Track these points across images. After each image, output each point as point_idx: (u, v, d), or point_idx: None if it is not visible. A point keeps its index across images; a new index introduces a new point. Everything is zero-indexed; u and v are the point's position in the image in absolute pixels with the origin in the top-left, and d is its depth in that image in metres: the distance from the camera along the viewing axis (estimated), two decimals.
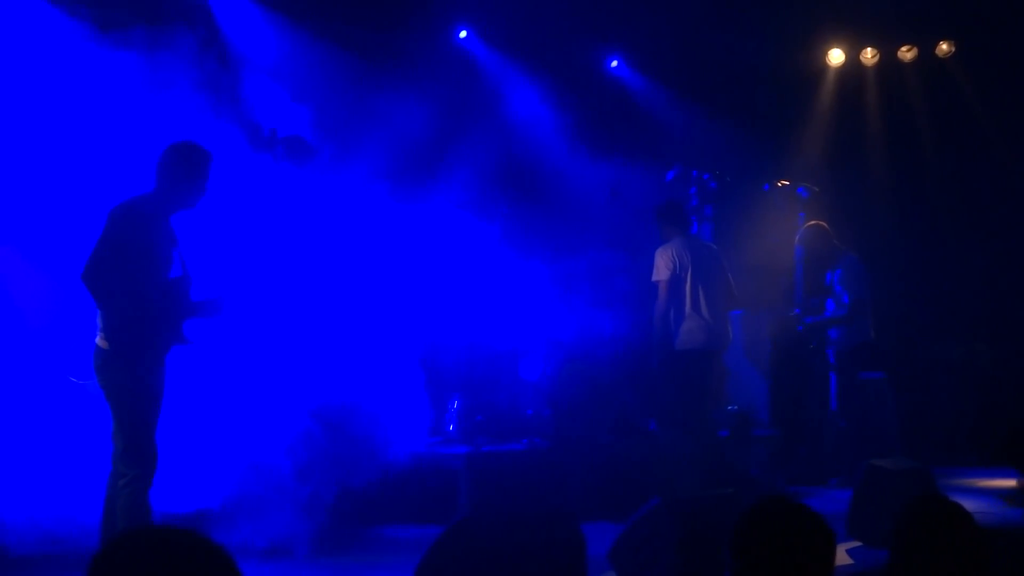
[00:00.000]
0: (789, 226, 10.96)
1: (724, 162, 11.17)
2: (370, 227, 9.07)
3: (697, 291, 9.10)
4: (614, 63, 12.42)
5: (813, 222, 10.44)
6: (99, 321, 6.14)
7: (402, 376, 8.68)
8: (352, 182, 9.17)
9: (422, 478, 8.45)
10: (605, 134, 11.41)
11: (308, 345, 8.18)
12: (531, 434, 9.37)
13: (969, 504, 3.95)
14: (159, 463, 6.13)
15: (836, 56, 12.67)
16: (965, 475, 10.32)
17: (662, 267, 9.14)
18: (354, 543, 7.71)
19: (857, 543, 7.46)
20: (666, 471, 9.05)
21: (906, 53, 12.59)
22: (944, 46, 12.44)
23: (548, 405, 9.56)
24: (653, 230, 9.86)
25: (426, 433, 9.01)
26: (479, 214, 10.07)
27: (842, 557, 7.22)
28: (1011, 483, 9.54)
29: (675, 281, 9.05)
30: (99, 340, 6.13)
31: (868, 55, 12.70)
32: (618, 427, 9.55)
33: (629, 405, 9.67)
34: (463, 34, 11.40)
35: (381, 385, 8.51)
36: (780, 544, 3.00)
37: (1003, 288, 12.05)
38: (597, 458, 9.10)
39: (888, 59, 12.66)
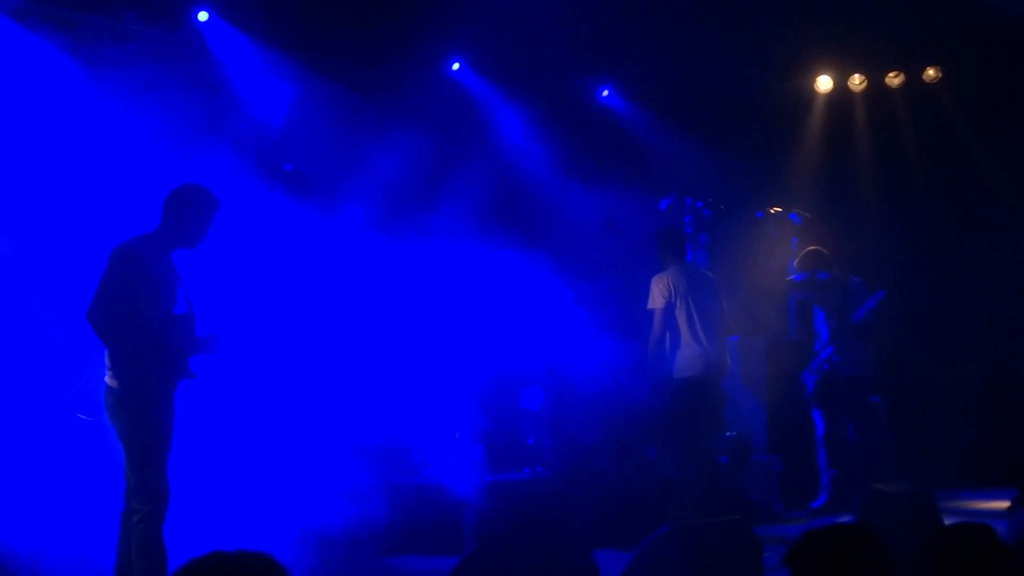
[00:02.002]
0: (783, 252, 11.05)
1: (717, 190, 11.25)
2: (363, 260, 9.13)
3: (693, 319, 9.14)
4: (605, 93, 12.50)
5: (812, 248, 10.47)
6: (107, 360, 6.17)
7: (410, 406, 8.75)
8: (345, 216, 9.23)
9: (426, 508, 8.46)
10: (598, 164, 11.47)
11: (317, 378, 8.23)
12: (533, 463, 9.40)
13: None
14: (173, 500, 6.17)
15: (824, 83, 12.77)
16: (962, 498, 10.36)
17: (657, 295, 9.18)
18: (365, 574, 7.71)
19: None
20: (667, 498, 9.08)
21: (893, 79, 12.69)
22: (931, 71, 12.55)
23: (549, 434, 9.60)
24: (647, 258, 9.93)
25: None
26: (473, 246, 10.11)
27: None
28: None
29: (671, 309, 9.09)
30: (108, 379, 6.16)
31: (856, 81, 12.80)
32: (618, 454, 9.59)
33: (629, 432, 9.70)
34: (456, 66, 11.46)
35: (393, 415, 8.58)
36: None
37: (995, 309, 12.13)
38: (598, 486, 9.13)
39: (876, 85, 12.77)
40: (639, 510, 8.82)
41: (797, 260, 10.47)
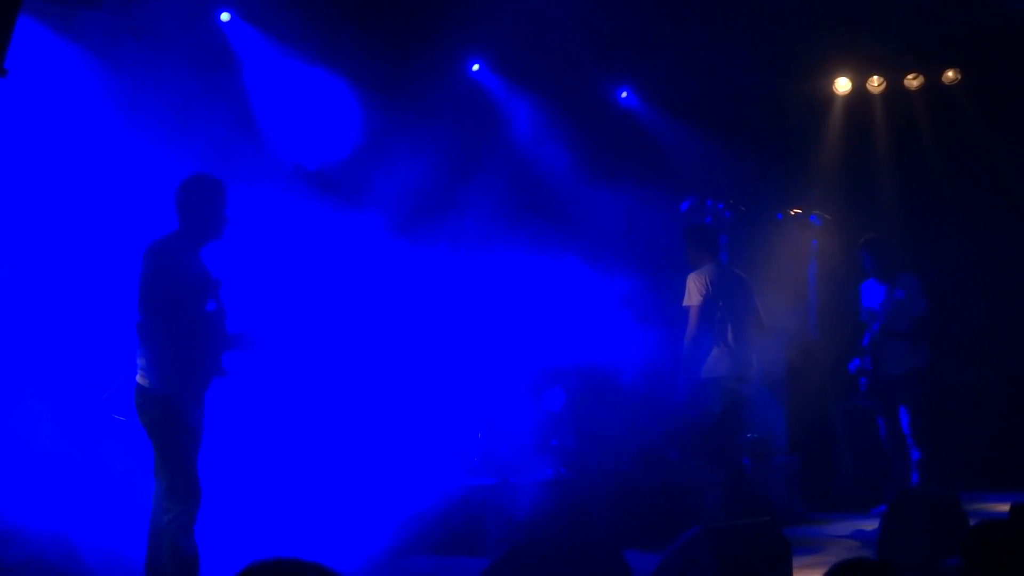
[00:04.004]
0: (803, 254, 11.05)
1: (738, 191, 11.25)
2: (383, 259, 9.14)
3: (725, 319, 9.06)
4: (624, 94, 12.50)
5: (874, 235, 10.33)
6: (139, 359, 6.17)
7: (434, 407, 8.74)
8: (368, 216, 9.25)
9: (448, 509, 8.45)
10: (619, 165, 11.46)
11: (340, 379, 8.24)
12: (556, 464, 9.38)
13: None
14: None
15: (843, 84, 12.75)
16: (980, 500, 10.34)
17: (695, 292, 9.03)
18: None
19: None
20: (689, 500, 9.06)
21: (912, 81, 12.67)
22: (950, 74, 12.52)
23: (573, 435, 9.58)
24: (669, 258, 9.91)
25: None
26: (493, 246, 10.12)
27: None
28: None
29: (707, 306, 8.97)
30: (139, 377, 6.16)
31: (875, 83, 12.78)
32: (641, 456, 9.57)
33: (653, 433, 9.68)
34: (476, 67, 11.47)
35: (416, 416, 8.58)
36: None
37: (1013, 312, 12.10)
38: (621, 487, 9.11)
39: (895, 87, 12.75)
40: (661, 512, 8.79)
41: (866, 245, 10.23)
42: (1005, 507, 9.91)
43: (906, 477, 10.05)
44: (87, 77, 8.20)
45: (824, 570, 7.52)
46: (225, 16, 9.58)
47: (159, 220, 6.65)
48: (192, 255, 6.33)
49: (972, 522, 8.02)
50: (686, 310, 9.06)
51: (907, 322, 9.96)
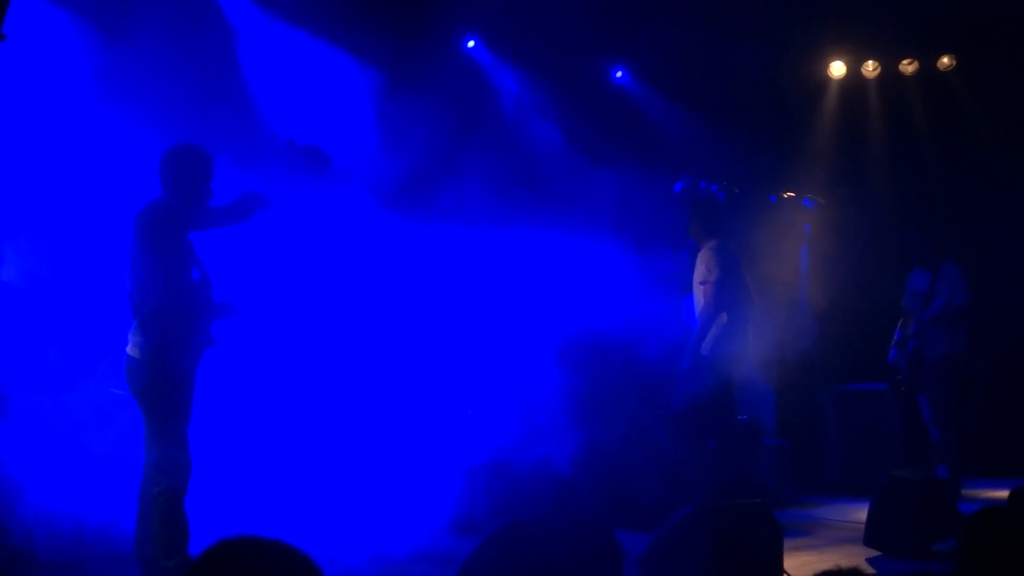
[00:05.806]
0: (795, 237, 11.02)
1: (731, 173, 11.19)
2: (372, 236, 9.12)
3: (738, 296, 8.93)
4: (619, 74, 12.46)
5: (922, 222, 10.51)
6: (132, 330, 6.12)
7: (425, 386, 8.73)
8: (356, 194, 9.21)
9: (439, 488, 8.43)
10: (612, 144, 11.40)
11: (332, 357, 8.23)
12: (545, 443, 9.36)
13: None
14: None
15: (838, 68, 12.73)
16: (966, 486, 10.36)
17: (713, 268, 8.82)
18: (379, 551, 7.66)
19: (876, 553, 7.52)
20: (676, 481, 9.03)
21: (907, 66, 12.67)
22: (945, 59, 12.52)
23: (562, 413, 9.56)
24: (661, 236, 9.85)
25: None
26: (484, 224, 10.08)
27: (863, 567, 7.27)
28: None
29: (722, 283, 8.81)
30: (130, 349, 6.10)
31: (869, 68, 12.77)
32: (630, 435, 9.54)
33: (641, 411, 9.65)
34: (471, 43, 11.43)
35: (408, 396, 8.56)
36: None
37: (1003, 300, 12.10)
38: (611, 466, 9.09)
39: (889, 72, 12.74)
40: (652, 492, 8.76)
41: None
42: (990, 493, 10.01)
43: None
44: (75, 44, 8.16)
45: (813, 552, 7.57)
46: None
47: (144, 191, 6.60)
48: (180, 223, 6.24)
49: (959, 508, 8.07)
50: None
51: (948, 311, 10.25)
